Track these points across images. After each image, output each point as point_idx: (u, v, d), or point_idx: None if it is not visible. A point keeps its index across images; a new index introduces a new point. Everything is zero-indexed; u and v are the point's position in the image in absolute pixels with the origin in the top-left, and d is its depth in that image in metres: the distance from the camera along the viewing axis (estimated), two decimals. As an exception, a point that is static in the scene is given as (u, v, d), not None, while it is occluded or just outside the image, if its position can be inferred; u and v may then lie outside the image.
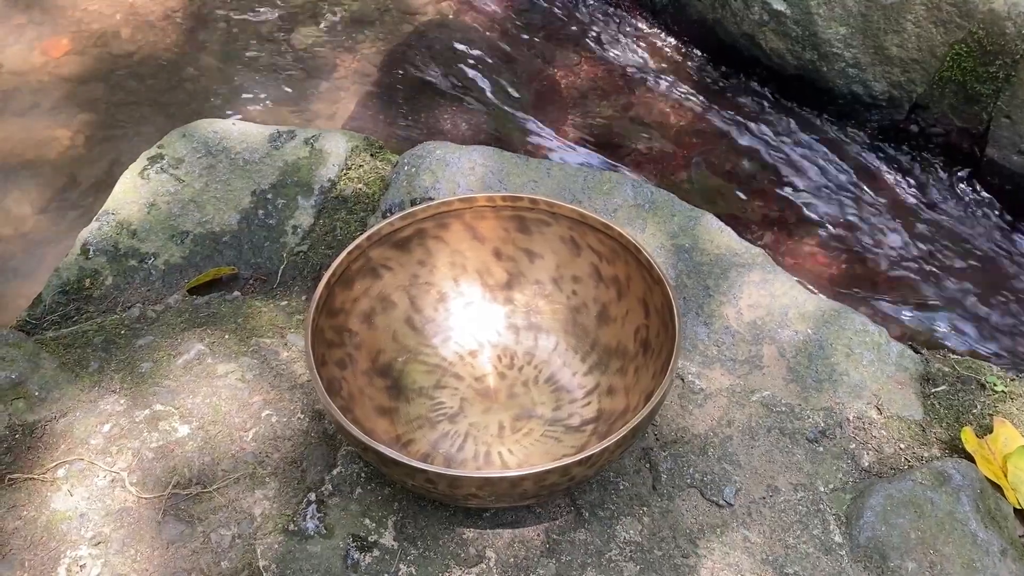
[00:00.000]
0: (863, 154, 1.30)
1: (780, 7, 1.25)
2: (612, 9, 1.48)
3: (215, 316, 0.84)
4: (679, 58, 1.42)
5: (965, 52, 1.19)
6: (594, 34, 1.46)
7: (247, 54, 1.43)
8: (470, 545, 0.70)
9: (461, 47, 1.45)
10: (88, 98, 1.35)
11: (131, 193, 0.94)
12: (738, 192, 1.25)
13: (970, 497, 0.73)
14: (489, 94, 1.37)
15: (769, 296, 0.87)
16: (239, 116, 1.33)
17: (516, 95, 1.37)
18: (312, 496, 0.72)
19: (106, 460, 0.73)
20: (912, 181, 1.27)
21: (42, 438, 0.74)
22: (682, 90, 1.38)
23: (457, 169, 0.95)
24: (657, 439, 0.77)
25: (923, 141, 1.27)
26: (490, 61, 1.42)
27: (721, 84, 1.39)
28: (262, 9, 1.49)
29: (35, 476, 0.72)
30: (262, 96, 1.37)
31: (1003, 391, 0.83)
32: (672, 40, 1.44)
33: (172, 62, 1.41)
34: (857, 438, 0.79)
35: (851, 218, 1.23)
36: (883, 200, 1.25)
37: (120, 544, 0.69)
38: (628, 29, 1.46)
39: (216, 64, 1.41)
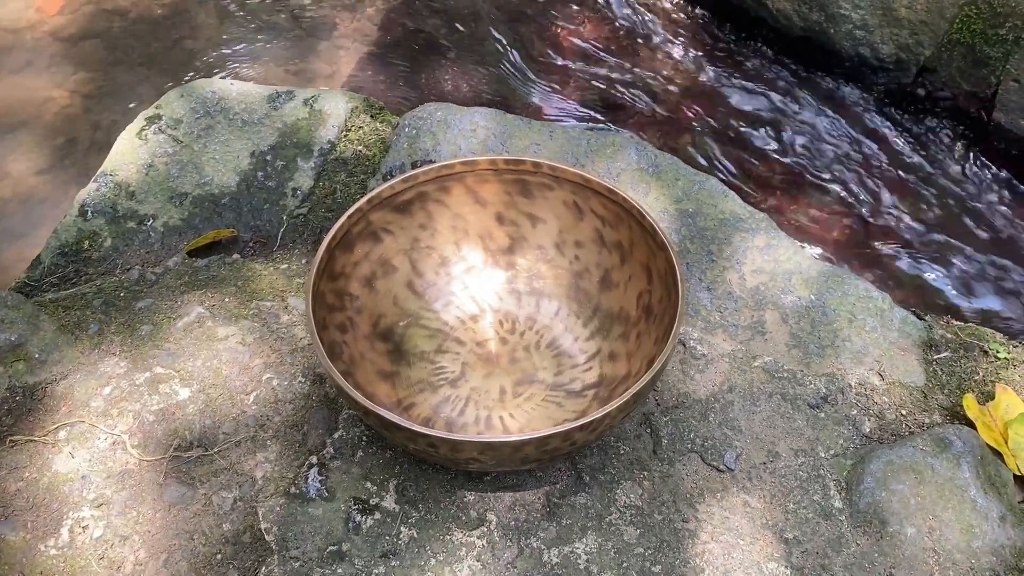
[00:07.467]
0: (869, 118, 1.28)
1: (788, -34, 1.23)
2: (616, -32, 1.45)
3: (215, 279, 0.84)
4: (684, 18, 1.40)
5: (975, 14, 1.17)
6: (598, -7, 1.43)
7: (245, 13, 1.41)
8: (471, 508, 0.71)
9: (463, 6, 1.42)
10: (84, 56, 1.33)
11: (129, 154, 0.93)
12: (743, 156, 1.24)
13: (970, 463, 0.73)
14: (491, 54, 1.36)
15: (773, 261, 0.86)
16: (237, 76, 1.31)
17: (519, 55, 1.36)
18: (313, 459, 0.72)
19: (107, 422, 0.73)
20: (918, 145, 1.25)
21: (43, 400, 0.74)
22: (687, 51, 1.36)
23: (458, 131, 0.94)
24: (658, 404, 0.77)
25: (930, 105, 1.26)
26: (492, 21, 1.40)
27: (727, 46, 1.37)
28: (260, -34, 1.46)
29: (36, 438, 0.72)
30: (260, 56, 1.35)
31: (1006, 358, 0.83)
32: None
33: (169, 20, 1.39)
34: (859, 404, 0.78)
35: (856, 183, 1.22)
36: (889, 165, 1.24)
37: (122, 506, 0.69)
38: (632, -12, 1.43)
39: (213, 23, 1.39)
